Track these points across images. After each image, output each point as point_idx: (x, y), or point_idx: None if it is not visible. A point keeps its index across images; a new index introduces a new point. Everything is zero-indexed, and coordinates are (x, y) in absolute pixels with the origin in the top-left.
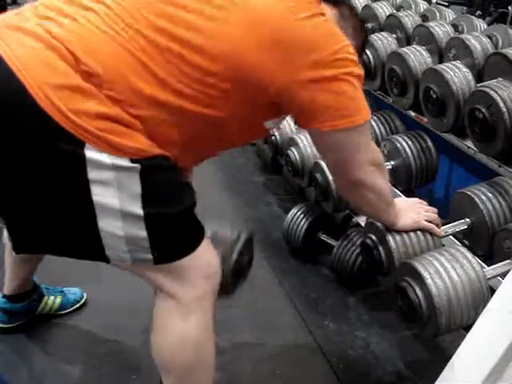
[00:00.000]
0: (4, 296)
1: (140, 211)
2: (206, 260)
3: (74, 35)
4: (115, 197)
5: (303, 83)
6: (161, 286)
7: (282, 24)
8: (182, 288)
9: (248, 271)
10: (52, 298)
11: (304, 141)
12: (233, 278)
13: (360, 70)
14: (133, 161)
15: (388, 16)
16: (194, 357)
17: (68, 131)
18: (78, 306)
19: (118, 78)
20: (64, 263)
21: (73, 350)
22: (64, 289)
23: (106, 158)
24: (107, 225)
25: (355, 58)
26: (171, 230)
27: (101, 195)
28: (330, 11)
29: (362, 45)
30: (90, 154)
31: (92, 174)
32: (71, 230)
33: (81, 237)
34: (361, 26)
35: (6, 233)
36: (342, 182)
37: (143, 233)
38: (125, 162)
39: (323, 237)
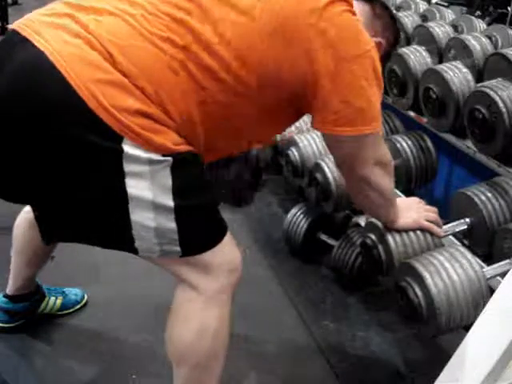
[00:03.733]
0: (6, 296)
1: (171, 203)
2: (229, 254)
3: (110, 34)
4: (148, 189)
5: (321, 81)
6: (184, 277)
7: (304, 18)
8: (205, 280)
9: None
10: (53, 298)
11: (304, 141)
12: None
13: (378, 77)
14: (165, 155)
15: None
16: (210, 347)
17: (109, 126)
18: (78, 306)
19: (153, 79)
20: (65, 264)
21: (73, 350)
22: (65, 289)
23: (141, 152)
24: (139, 216)
25: (377, 65)
26: (198, 222)
27: (135, 187)
28: (361, 8)
29: (394, 42)
30: (128, 148)
31: (128, 167)
32: (104, 220)
33: (113, 227)
34: (392, 24)
35: (13, 233)
36: (347, 176)
37: (173, 225)
38: (158, 157)
39: (323, 237)
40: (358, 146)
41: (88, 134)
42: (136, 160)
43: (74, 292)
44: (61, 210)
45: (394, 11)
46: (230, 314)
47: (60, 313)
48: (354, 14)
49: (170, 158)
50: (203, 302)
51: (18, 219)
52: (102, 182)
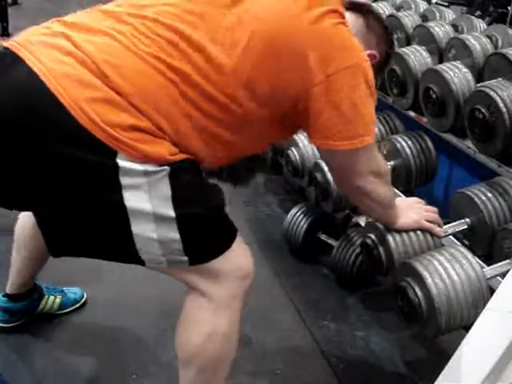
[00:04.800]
0: (5, 295)
1: (172, 213)
2: (239, 260)
3: (99, 50)
4: (147, 200)
5: (314, 93)
6: (194, 285)
7: (295, 33)
8: (216, 287)
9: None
10: (52, 297)
11: (304, 141)
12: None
13: (371, 87)
14: (162, 165)
15: (388, 16)
16: (219, 351)
17: (102, 142)
18: (78, 305)
19: (146, 97)
20: (64, 263)
21: (73, 350)
22: (64, 288)
23: (137, 165)
24: (141, 229)
25: (370, 76)
26: (203, 230)
27: (133, 200)
28: (354, 20)
29: (387, 54)
30: (123, 162)
31: (124, 181)
32: (106, 234)
33: (116, 241)
34: (385, 35)
35: (15, 233)
36: (345, 188)
37: (176, 235)
38: (154, 167)
39: (323, 237)
40: (352, 158)
41: (82, 151)
42: (132, 173)
43: (73, 291)
44: (62, 226)
45: (394, 11)
46: (239, 319)
47: (59, 312)
48: (345, 25)
49: (167, 167)
50: (213, 309)
51: (20, 218)
52: (99, 198)
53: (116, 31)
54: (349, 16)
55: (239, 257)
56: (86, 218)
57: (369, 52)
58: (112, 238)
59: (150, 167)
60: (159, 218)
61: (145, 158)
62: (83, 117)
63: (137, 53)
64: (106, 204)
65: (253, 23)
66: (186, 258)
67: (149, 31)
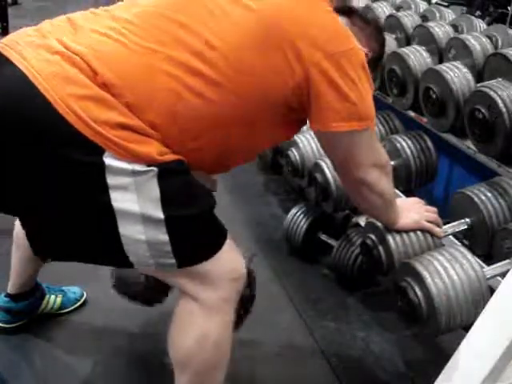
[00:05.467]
0: (7, 295)
1: (160, 215)
2: (229, 262)
3: (89, 47)
4: (135, 202)
5: (313, 74)
6: (185, 289)
7: (295, 16)
8: (206, 291)
9: (251, 305)
10: (53, 297)
11: (304, 141)
12: (237, 312)
13: (367, 75)
14: (150, 165)
15: (388, 16)
16: (212, 355)
17: (89, 139)
18: (78, 304)
19: (136, 90)
20: (63, 263)
21: (73, 349)
22: (64, 288)
23: (124, 164)
24: (129, 230)
25: (366, 64)
26: (192, 232)
27: (120, 200)
28: (341, 21)
29: (379, 51)
30: (109, 160)
31: (111, 180)
32: (93, 237)
33: (103, 244)
34: (375, 33)
35: (14, 232)
36: (345, 180)
37: (165, 236)
38: (142, 167)
39: (323, 237)
40: (354, 144)
41: (69, 149)
42: (119, 172)
43: (72, 290)
44: (47, 228)
45: (394, 11)
46: (232, 322)
47: (59, 312)
48: (336, 14)
49: (155, 168)
50: (204, 313)
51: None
52: (86, 198)
53: (107, 27)
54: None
55: (230, 259)
56: (73, 218)
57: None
58: (99, 239)
59: (137, 167)
60: (147, 220)
61: (133, 158)
62: (70, 114)
63: (126, 44)
64: (93, 204)
65: (260, 9)
66: (174, 261)
67: (141, 22)
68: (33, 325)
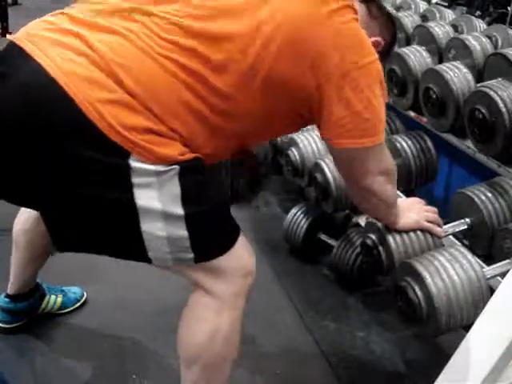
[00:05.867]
0: (7, 296)
1: (181, 211)
2: (242, 258)
3: (114, 53)
4: (157, 199)
5: (327, 91)
6: (199, 282)
7: (312, 29)
8: (220, 285)
9: (263, 183)
10: (53, 297)
11: (304, 141)
12: (250, 186)
13: (383, 88)
14: (171, 164)
15: None
16: (221, 349)
17: (116, 143)
18: (78, 304)
19: (158, 99)
20: (64, 263)
21: (73, 349)
22: (64, 288)
23: (148, 165)
24: (150, 227)
25: (382, 75)
26: (210, 228)
27: (143, 199)
28: (359, 9)
29: (391, 41)
30: (135, 163)
31: (136, 180)
32: (115, 232)
33: (125, 239)
34: (388, 23)
35: (14, 233)
36: (350, 186)
37: (184, 232)
38: (165, 167)
39: (323, 237)
40: (362, 157)
41: (95, 151)
42: (143, 173)
43: (73, 290)
44: (72, 222)
45: (394, 11)
46: (241, 317)
47: (60, 312)
48: (357, 20)
49: (176, 167)
50: (217, 307)
51: (18, 218)
52: (111, 196)
53: (127, 30)
54: (354, 4)
55: (242, 255)
56: (97, 215)
57: (373, 39)
58: (121, 235)
59: (160, 167)
60: (168, 217)
61: (156, 159)
62: (98, 118)
63: (149, 53)
64: (117, 202)
65: (274, 20)
66: (192, 256)
67: (159, 30)
68: (33, 325)
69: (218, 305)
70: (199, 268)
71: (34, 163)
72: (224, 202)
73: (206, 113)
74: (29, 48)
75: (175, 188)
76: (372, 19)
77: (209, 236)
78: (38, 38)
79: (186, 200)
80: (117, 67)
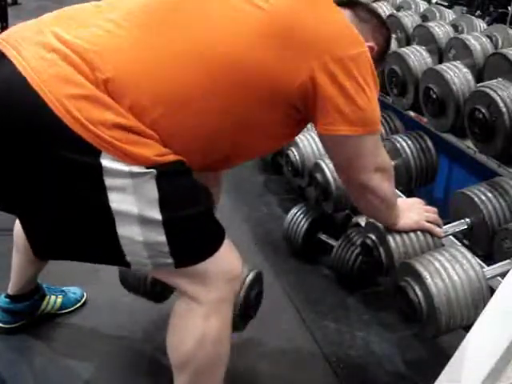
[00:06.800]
0: (7, 296)
1: (158, 216)
2: (227, 263)
3: (88, 43)
4: (132, 203)
5: (320, 78)
6: (182, 288)
7: (298, 20)
8: (204, 291)
9: (257, 308)
10: (53, 297)
11: (304, 141)
12: (241, 314)
13: (375, 80)
14: (148, 167)
15: (388, 16)
16: (212, 355)
17: (86, 140)
18: (78, 305)
19: (138, 85)
20: (64, 263)
21: (73, 350)
22: (64, 288)
23: (122, 165)
24: (126, 231)
25: (373, 67)
26: (190, 233)
27: (118, 202)
28: (347, 15)
29: (385, 45)
30: (106, 162)
31: (109, 182)
32: (91, 237)
33: (101, 243)
34: (380, 26)
35: (14, 234)
36: (347, 183)
37: (162, 238)
38: (141, 169)
39: (323, 237)
40: (359, 149)
41: (66, 150)
42: (117, 174)
43: (73, 291)
44: (46, 226)
45: (394, 11)
46: (230, 321)
47: (60, 312)
48: (343, 13)
49: (153, 170)
50: (203, 313)
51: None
52: (84, 198)
53: (105, 20)
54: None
55: (227, 259)
56: (71, 218)
57: (367, 44)
58: (97, 239)
59: (135, 168)
60: (145, 221)
61: (130, 159)
62: (65, 114)
63: (126, 37)
64: (91, 205)
65: (270, 10)
66: (171, 261)
67: (137, 18)
68: (33, 325)
69: (204, 310)
70: (181, 273)
71: (10, 165)
72: (207, 206)
73: (189, 110)
74: (5, 48)
75: (153, 192)
76: (362, 23)
77: (189, 241)
78: (15, 38)
79: (164, 204)
80: (89, 54)
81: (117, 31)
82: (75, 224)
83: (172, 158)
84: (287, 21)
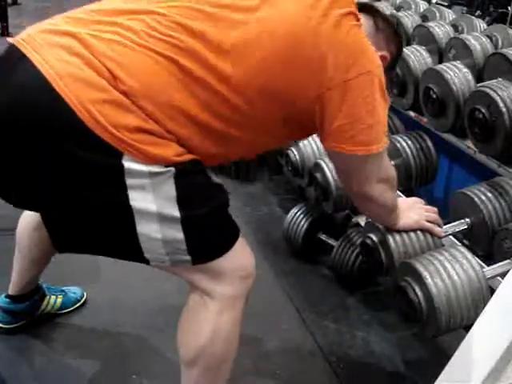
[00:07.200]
0: (8, 296)
1: (177, 214)
2: (241, 260)
3: (111, 51)
4: (152, 201)
5: (329, 97)
6: (198, 284)
7: (313, 36)
8: (218, 287)
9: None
10: (54, 297)
11: (304, 141)
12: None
13: (386, 96)
14: (167, 166)
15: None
16: (222, 350)
17: (108, 143)
18: (78, 305)
19: (153, 96)
20: (64, 263)
21: (73, 349)
22: (64, 288)
23: (142, 166)
24: (145, 228)
25: (384, 83)
26: (207, 230)
27: (138, 200)
28: (365, 22)
29: (396, 54)
30: (128, 163)
31: (129, 181)
32: (111, 233)
33: (121, 240)
34: (394, 36)
35: (17, 234)
36: (349, 191)
37: (180, 235)
38: (160, 168)
39: (323, 237)
40: (362, 164)
41: (89, 152)
42: (137, 174)
43: (73, 290)
44: (69, 223)
45: (394, 11)
46: (241, 318)
47: (60, 312)
48: (360, 28)
49: (172, 169)
50: (217, 308)
51: (22, 220)
52: (105, 198)
53: (126, 28)
54: (362, 18)
55: (242, 256)
56: (93, 216)
57: (380, 54)
58: (117, 236)
59: (155, 168)
60: (164, 219)
61: (150, 160)
62: (89, 119)
63: (147, 52)
64: (112, 203)
65: (269, 25)
66: (189, 258)
67: (161, 28)
68: (33, 325)
69: (217, 306)
70: (197, 269)
71: (33, 165)
72: (223, 203)
73: (204, 116)
74: (26, 50)
75: (171, 190)
76: (379, 32)
77: (206, 238)
78: (37, 39)
79: (182, 202)
80: (112, 64)
81: (138, 41)
82: (96, 221)
83: (189, 157)
84: (300, 38)
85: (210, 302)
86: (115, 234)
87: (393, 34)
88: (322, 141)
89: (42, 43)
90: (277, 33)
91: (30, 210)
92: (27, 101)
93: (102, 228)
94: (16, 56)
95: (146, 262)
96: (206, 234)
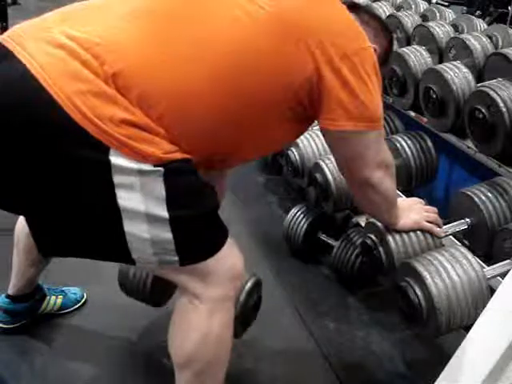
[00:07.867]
0: (8, 296)
1: (165, 214)
2: (230, 261)
3: (98, 37)
4: (140, 200)
5: (326, 73)
6: (186, 286)
7: (308, 14)
8: (207, 289)
9: (255, 314)
10: (53, 297)
11: (304, 141)
12: (240, 321)
13: (379, 77)
14: (156, 165)
15: (388, 16)
16: (214, 352)
17: (94, 137)
18: (78, 305)
19: (142, 75)
20: (64, 263)
21: (73, 349)
22: (64, 288)
23: (130, 163)
24: (133, 228)
25: (376, 63)
26: (196, 231)
27: (126, 199)
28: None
29: (388, 46)
30: (115, 159)
31: (117, 179)
32: (97, 233)
33: (107, 240)
34: (382, 29)
35: (15, 235)
36: (349, 179)
37: (168, 235)
38: (148, 167)
39: (323, 237)
40: (361, 145)
41: (75, 146)
42: (125, 171)
43: (73, 291)
44: (53, 223)
45: (394, 11)
46: (232, 319)
47: (60, 312)
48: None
49: (161, 168)
50: (206, 311)
51: (20, 221)
52: (92, 195)
53: (115, 17)
54: None
55: (230, 257)
56: (78, 215)
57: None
58: (104, 236)
59: (144, 166)
60: (152, 219)
61: (138, 156)
62: (74, 111)
63: (139, 36)
64: (99, 201)
65: (275, 7)
66: (176, 258)
67: (152, 16)
68: (33, 325)
69: (207, 308)
70: (185, 271)
71: (16, 162)
72: (212, 204)
73: (199, 107)
74: (12, 46)
75: (160, 190)
76: (365, 26)
77: (195, 239)
78: (23, 35)
79: (171, 203)
80: (100, 49)
81: (124, 26)
82: (82, 221)
83: (179, 155)
84: (292, 18)
85: (199, 306)
86: (102, 234)
87: (380, 28)
88: (318, 121)
89: (28, 38)
90: (274, 19)
91: (14, 212)
92: (11, 95)
93: (88, 228)
94: (1, 52)
95: (132, 262)
96: (195, 235)
